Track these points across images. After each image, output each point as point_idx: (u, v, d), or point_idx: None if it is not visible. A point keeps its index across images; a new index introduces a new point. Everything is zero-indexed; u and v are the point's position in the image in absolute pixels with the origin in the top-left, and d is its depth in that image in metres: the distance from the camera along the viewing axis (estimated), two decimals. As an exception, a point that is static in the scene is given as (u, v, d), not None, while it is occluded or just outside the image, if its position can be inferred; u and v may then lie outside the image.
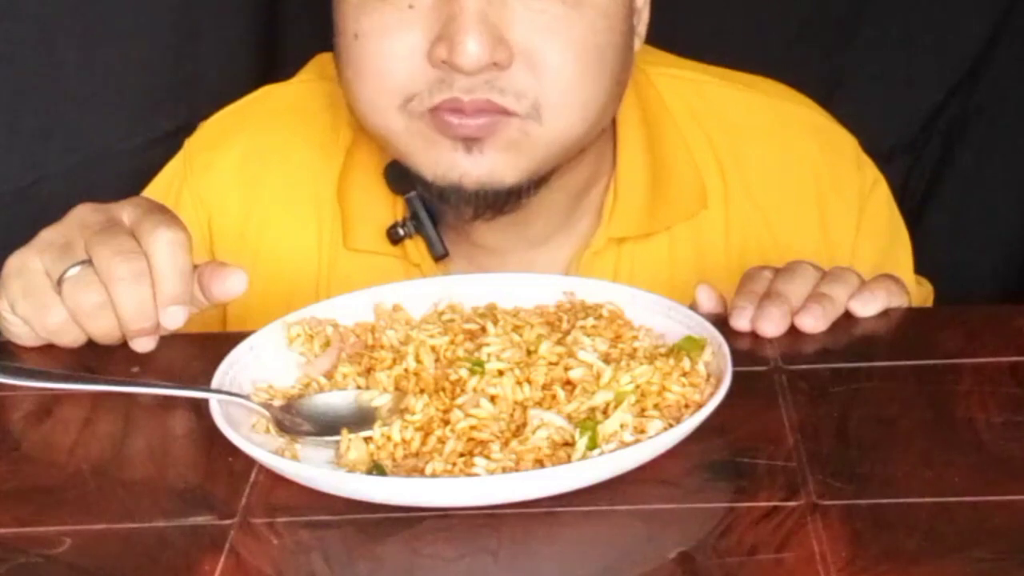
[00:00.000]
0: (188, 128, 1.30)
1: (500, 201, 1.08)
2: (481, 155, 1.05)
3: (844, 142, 1.24)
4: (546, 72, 1.04)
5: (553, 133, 1.06)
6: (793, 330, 0.97)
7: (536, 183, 1.08)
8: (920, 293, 1.26)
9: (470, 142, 1.05)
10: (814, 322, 0.97)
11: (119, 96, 1.45)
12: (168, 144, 1.33)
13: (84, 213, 0.99)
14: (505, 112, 1.04)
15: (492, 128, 1.04)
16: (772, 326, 0.96)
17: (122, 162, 1.44)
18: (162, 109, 1.46)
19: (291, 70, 1.30)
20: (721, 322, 0.95)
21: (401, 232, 1.15)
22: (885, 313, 1.00)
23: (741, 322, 0.97)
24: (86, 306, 0.96)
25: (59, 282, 0.96)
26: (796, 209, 1.20)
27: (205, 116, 1.28)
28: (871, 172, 1.24)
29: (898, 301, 1.01)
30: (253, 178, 1.21)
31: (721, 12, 1.60)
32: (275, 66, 1.51)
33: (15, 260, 0.98)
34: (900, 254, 1.25)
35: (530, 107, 1.04)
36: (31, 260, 0.97)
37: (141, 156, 1.43)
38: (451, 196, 1.07)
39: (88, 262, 0.96)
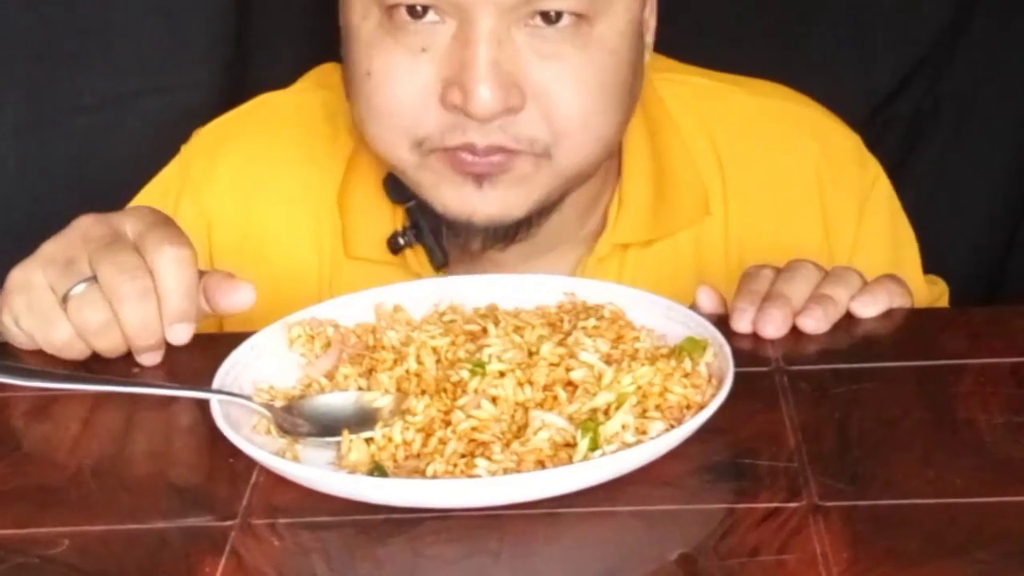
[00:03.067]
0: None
1: (511, 233, 1.09)
2: (492, 189, 1.06)
3: (846, 140, 1.24)
4: (558, 116, 1.04)
5: (563, 168, 1.07)
6: (794, 331, 0.97)
7: (546, 211, 1.10)
8: (932, 292, 1.26)
9: (481, 178, 1.05)
10: (815, 324, 0.97)
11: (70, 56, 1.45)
12: (124, 105, 1.36)
13: (87, 225, 0.98)
14: (516, 152, 1.04)
15: (504, 166, 1.05)
16: (773, 328, 0.96)
17: (73, 121, 1.45)
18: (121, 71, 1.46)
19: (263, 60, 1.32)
20: (722, 323, 0.95)
21: (401, 241, 1.15)
22: (887, 314, 1.00)
23: (742, 324, 0.97)
24: (92, 324, 0.95)
25: (64, 299, 0.96)
26: (798, 209, 1.20)
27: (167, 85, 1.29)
28: (872, 169, 1.24)
29: (900, 302, 1.01)
30: (252, 185, 1.20)
31: None
32: (247, 55, 1.51)
33: (18, 274, 0.98)
34: (906, 252, 1.25)
35: (541, 149, 1.05)
36: (35, 275, 0.97)
37: (89, 116, 1.44)
38: (462, 230, 1.08)
39: (93, 279, 0.95)
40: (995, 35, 1.61)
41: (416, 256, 1.16)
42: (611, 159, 1.15)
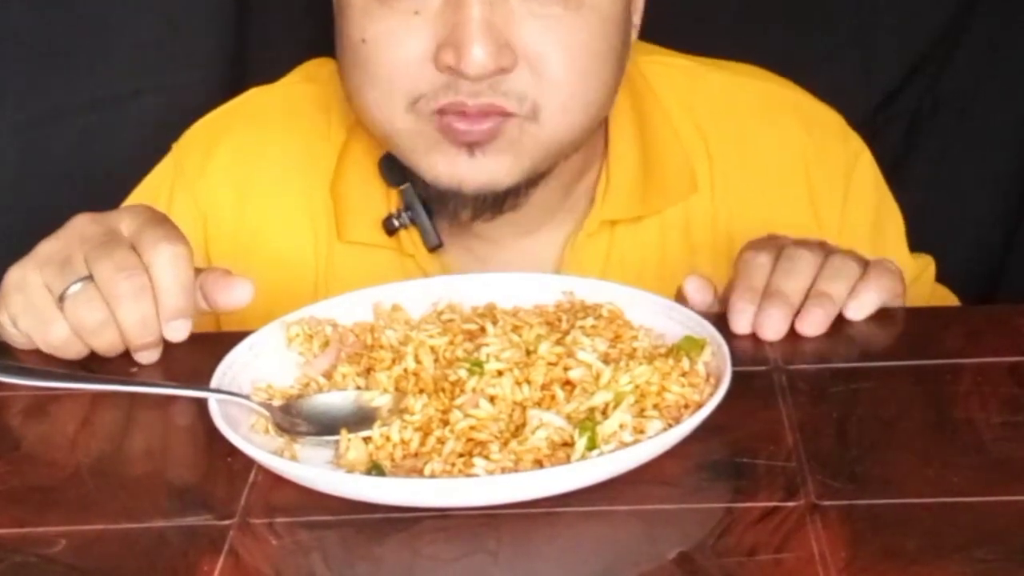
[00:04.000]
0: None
1: (499, 202, 1.09)
2: (483, 157, 1.06)
3: (828, 118, 1.25)
4: (547, 75, 1.05)
5: (550, 133, 1.07)
6: (793, 330, 0.97)
7: (533, 181, 1.10)
8: (917, 266, 1.26)
9: (473, 147, 1.06)
10: (814, 328, 0.96)
11: (67, 56, 1.45)
12: (122, 105, 1.38)
13: (83, 224, 0.99)
14: (505, 113, 1.05)
15: (494, 132, 1.05)
16: (773, 331, 0.96)
17: (71, 120, 1.45)
18: (113, 72, 1.47)
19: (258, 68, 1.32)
20: (720, 321, 0.95)
21: (396, 223, 1.16)
22: (885, 313, 1.00)
23: (741, 325, 0.96)
24: (89, 323, 0.96)
25: (61, 299, 0.96)
26: (784, 186, 1.21)
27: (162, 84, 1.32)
28: (855, 143, 1.25)
29: (892, 293, 1.00)
30: (245, 176, 1.21)
31: None
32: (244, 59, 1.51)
33: (15, 274, 0.98)
34: (890, 225, 1.25)
35: (530, 109, 1.06)
36: (31, 275, 0.97)
37: (88, 116, 1.44)
38: (450, 199, 1.09)
39: (89, 278, 0.95)
40: (996, 34, 1.61)
41: (410, 238, 1.16)
42: (597, 135, 1.16)
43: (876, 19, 1.61)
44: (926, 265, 1.28)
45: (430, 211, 1.14)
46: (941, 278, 1.31)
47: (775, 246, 1.01)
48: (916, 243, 1.28)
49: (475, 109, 1.04)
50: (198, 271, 0.98)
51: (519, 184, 1.09)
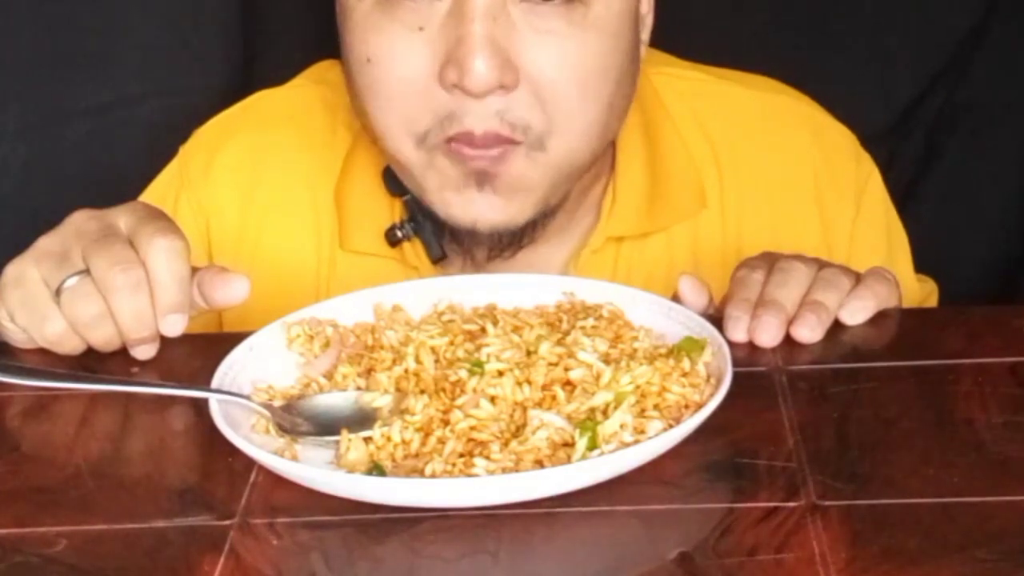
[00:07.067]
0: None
1: (516, 239, 1.09)
2: (493, 194, 1.06)
3: (841, 136, 1.24)
4: (552, 97, 1.04)
5: (558, 158, 1.06)
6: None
7: (549, 213, 1.10)
8: (923, 290, 1.26)
9: (481, 176, 1.05)
10: (810, 333, 0.96)
11: (70, 57, 1.46)
12: (128, 109, 1.39)
13: (81, 220, 0.99)
14: (512, 141, 1.04)
15: (501, 159, 1.05)
16: (768, 336, 0.95)
17: (76, 123, 1.45)
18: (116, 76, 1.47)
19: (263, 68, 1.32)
20: (718, 322, 0.95)
21: (399, 234, 1.15)
22: (885, 314, 1.00)
23: (737, 333, 0.96)
24: (85, 317, 0.96)
25: (57, 292, 0.96)
26: (795, 204, 1.20)
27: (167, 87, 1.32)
28: (867, 164, 1.24)
29: (887, 300, 1.00)
30: (250, 180, 1.21)
31: None
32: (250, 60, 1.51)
33: (12, 269, 0.98)
34: (898, 247, 1.25)
35: (535, 138, 1.05)
36: (28, 269, 0.97)
37: (93, 119, 1.45)
38: (465, 238, 1.09)
39: (86, 272, 0.96)
40: (1011, 48, 1.61)
41: (413, 249, 1.16)
42: (605, 151, 1.15)
43: (893, 35, 1.61)
44: (931, 291, 1.28)
45: (435, 222, 1.14)
46: (958, 292, 1.30)
47: (768, 261, 1.01)
48: (934, 257, 1.27)
49: (481, 137, 1.04)
50: (195, 269, 0.98)
51: (536, 220, 1.09)
